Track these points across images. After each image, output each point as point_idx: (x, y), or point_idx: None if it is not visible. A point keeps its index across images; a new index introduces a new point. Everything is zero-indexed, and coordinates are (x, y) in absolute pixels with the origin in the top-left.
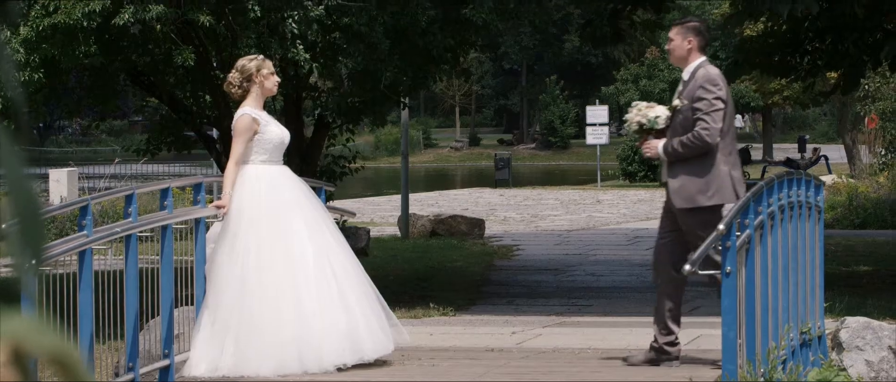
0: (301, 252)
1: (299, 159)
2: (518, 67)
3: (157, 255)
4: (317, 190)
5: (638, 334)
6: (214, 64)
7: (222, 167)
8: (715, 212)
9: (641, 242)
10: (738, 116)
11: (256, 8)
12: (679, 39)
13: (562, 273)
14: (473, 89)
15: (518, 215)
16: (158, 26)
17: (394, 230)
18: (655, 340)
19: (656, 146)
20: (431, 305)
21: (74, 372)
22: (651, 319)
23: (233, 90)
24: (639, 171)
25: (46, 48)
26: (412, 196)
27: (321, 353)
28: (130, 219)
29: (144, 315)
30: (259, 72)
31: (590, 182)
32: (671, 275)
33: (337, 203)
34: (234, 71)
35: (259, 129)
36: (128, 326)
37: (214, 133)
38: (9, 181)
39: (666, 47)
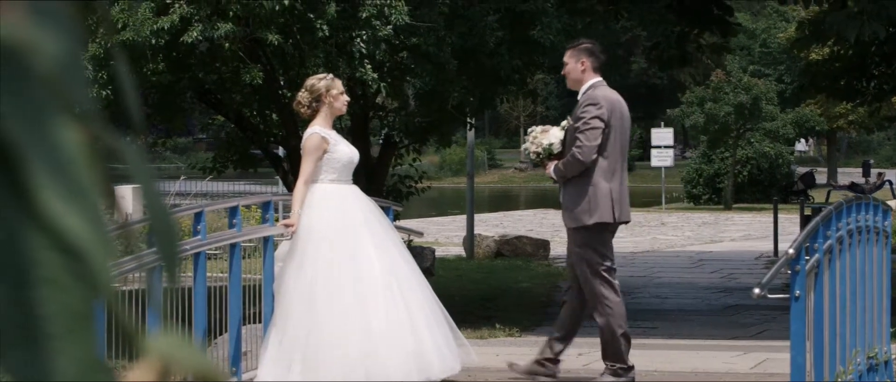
0: (369, 271)
1: (366, 178)
2: None
3: (225, 272)
4: (384, 210)
5: (704, 356)
6: (282, 83)
7: (289, 186)
8: (597, 230)
9: (706, 264)
10: (802, 140)
11: (325, 27)
12: (573, 62)
13: (626, 295)
14: (538, 110)
15: None
16: (226, 45)
17: (459, 250)
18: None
19: (550, 168)
20: (497, 325)
21: None
22: (717, 342)
23: (302, 110)
24: (703, 193)
25: (113, 66)
26: (477, 216)
27: (388, 372)
28: (199, 237)
29: (212, 333)
30: (328, 91)
31: (654, 204)
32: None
33: (403, 223)
34: (303, 90)
35: (328, 148)
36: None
37: (281, 151)
38: (144, 196)
39: (562, 73)
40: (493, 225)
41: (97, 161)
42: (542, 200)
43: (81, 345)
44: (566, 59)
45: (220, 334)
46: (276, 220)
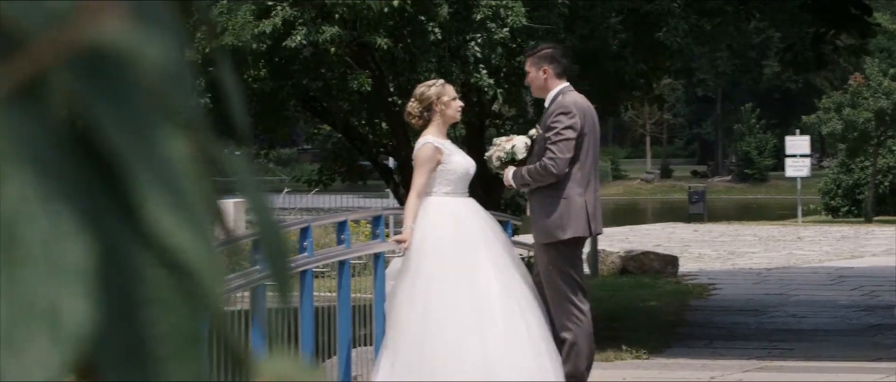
0: (487, 290)
1: (482, 190)
2: (712, 95)
3: (333, 292)
4: (502, 224)
5: (844, 379)
6: (392, 89)
7: (401, 199)
8: (571, 245)
9: (846, 281)
10: None
11: (437, 30)
12: (534, 71)
13: (761, 314)
14: (665, 118)
15: (713, 251)
16: (332, 49)
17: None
18: None
19: (508, 174)
20: (624, 347)
21: None
22: (857, 364)
23: (413, 120)
24: (842, 205)
25: (213, 72)
26: None
27: None
28: (305, 254)
29: (320, 355)
30: (439, 99)
31: (790, 217)
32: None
33: (523, 238)
34: (412, 100)
35: (442, 159)
36: None
37: (391, 163)
38: (252, 210)
39: (524, 82)
40: (619, 240)
41: (204, 174)
42: (670, 213)
43: (190, 367)
44: (527, 68)
45: (329, 357)
46: (387, 235)
